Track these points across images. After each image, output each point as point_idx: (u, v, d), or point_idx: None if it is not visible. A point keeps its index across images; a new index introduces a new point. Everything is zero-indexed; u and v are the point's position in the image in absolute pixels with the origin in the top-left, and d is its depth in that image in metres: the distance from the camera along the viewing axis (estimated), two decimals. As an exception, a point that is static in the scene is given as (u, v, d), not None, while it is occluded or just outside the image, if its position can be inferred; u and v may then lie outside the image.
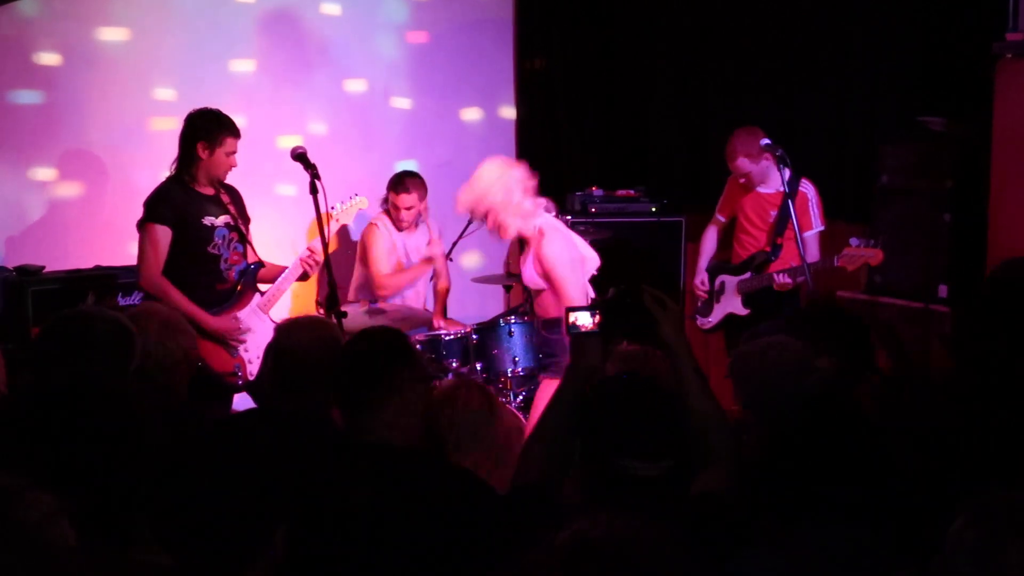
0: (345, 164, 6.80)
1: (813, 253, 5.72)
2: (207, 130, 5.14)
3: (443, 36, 7.50)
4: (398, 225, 6.38)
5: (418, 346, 4.91)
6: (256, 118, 6.55)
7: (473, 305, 7.13)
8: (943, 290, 5.57)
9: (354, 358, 2.84)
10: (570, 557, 1.81)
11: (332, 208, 5.44)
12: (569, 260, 4.96)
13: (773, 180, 5.80)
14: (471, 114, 7.67)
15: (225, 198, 5.28)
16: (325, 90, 7.12)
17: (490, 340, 5.81)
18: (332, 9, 7.16)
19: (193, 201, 5.18)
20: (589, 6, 7.75)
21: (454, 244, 6.46)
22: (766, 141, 5.61)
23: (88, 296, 5.73)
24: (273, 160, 6.47)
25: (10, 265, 5.93)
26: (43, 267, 5.87)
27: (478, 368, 5.77)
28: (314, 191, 4.76)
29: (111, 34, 6.45)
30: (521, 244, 5.22)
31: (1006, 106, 5.33)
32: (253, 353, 5.20)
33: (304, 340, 3.44)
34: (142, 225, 5.16)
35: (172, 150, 5.26)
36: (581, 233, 5.62)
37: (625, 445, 2.51)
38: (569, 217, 6.37)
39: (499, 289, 6.69)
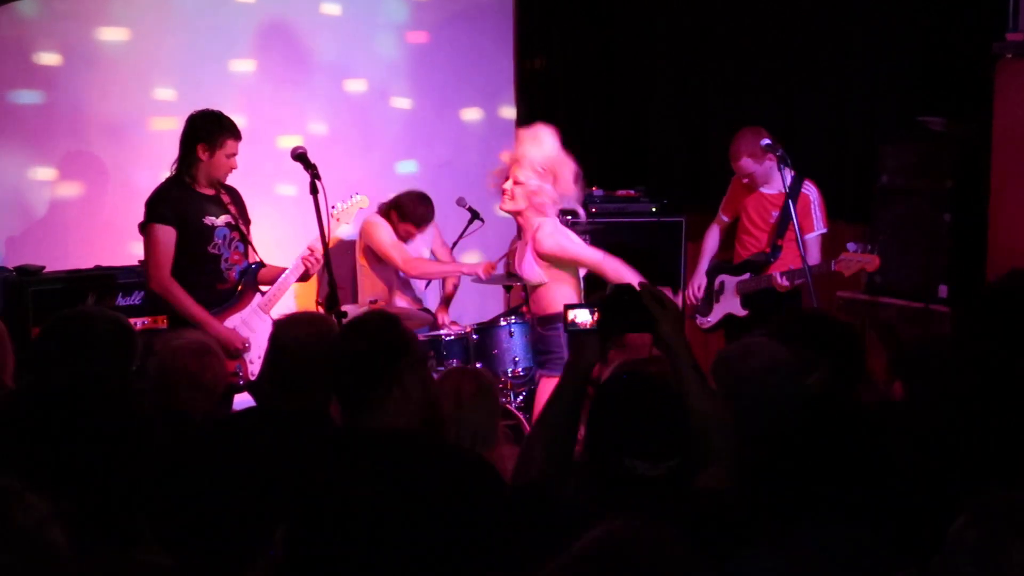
0: (345, 164, 6.80)
1: (814, 256, 5.71)
2: (207, 132, 5.14)
3: (443, 36, 7.50)
4: (403, 238, 6.35)
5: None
6: (256, 118, 6.55)
7: (473, 305, 7.13)
8: (943, 290, 5.57)
9: (353, 357, 2.84)
10: (598, 561, 1.81)
11: (333, 208, 5.44)
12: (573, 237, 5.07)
13: (776, 181, 5.79)
14: (471, 114, 7.67)
15: (226, 198, 5.28)
16: (325, 90, 7.12)
17: (490, 340, 5.82)
18: (332, 9, 7.16)
19: (194, 201, 5.17)
20: (589, 6, 7.76)
21: (454, 244, 6.46)
22: (766, 141, 5.60)
23: (88, 296, 5.73)
24: (273, 160, 6.47)
25: (10, 265, 5.94)
26: (43, 267, 5.87)
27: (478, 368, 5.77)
28: (314, 191, 4.76)
29: (111, 34, 6.46)
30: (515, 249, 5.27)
31: (1006, 106, 5.33)
32: (254, 353, 5.20)
33: (302, 335, 3.44)
34: (145, 226, 5.15)
35: (172, 150, 5.26)
36: (581, 234, 5.63)
37: (629, 445, 2.51)
38: (569, 217, 6.37)
39: (499, 289, 6.69)
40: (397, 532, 2.57)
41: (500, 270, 5.80)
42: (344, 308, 4.82)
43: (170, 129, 5.79)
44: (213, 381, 3.83)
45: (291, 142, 6.04)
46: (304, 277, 5.37)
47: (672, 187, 7.28)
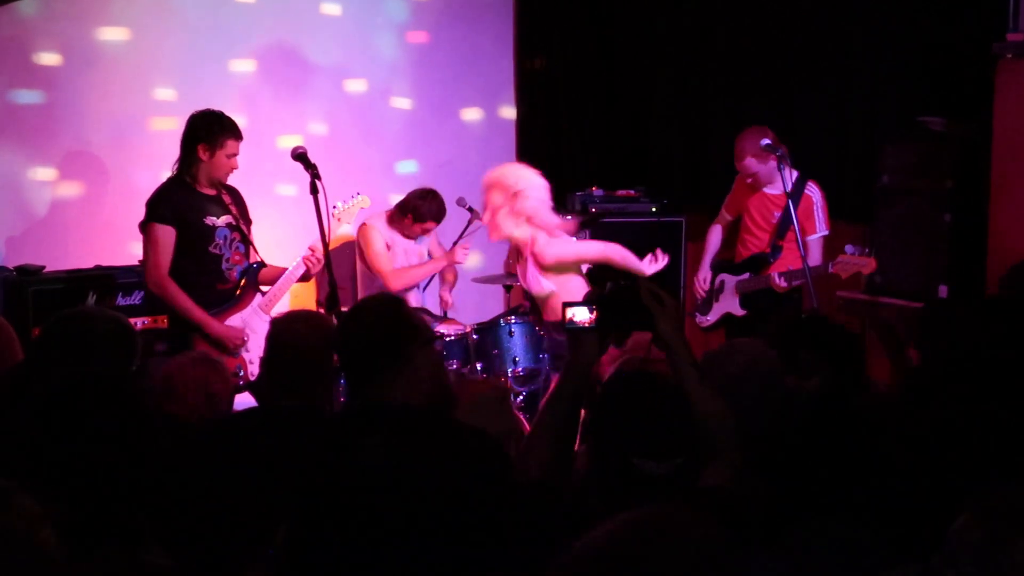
0: (345, 164, 6.80)
1: (816, 257, 5.71)
2: (208, 132, 5.14)
3: (443, 36, 7.50)
4: (408, 236, 6.34)
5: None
6: (256, 118, 6.55)
7: (473, 305, 7.13)
8: (943, 290, 5.56)
9: (363, 335, 2.84)
10: (630, 543, 1.79)
11: (334, 208, 5.44)
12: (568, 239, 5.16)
13: (779, 181, 5.78)
14: (471, 114, 7.68)
15: (227, 198, 5.28)
16: (325, 90, 7.12)
17: (490, 340, 5.82)
18: (332, 9, 7.16)
19: (194, 201, 5.17)
20: (589, 6, 7.76)
21: (455, 244, 6.46)
22: (766, 141, 5.60)
23: (88, 296, 5.73)
24: (273, 160, 6.47)
25: (10, 265, 5.94)
26: (43, 267, 5.87)
27: (478, 368, 5.77)
28: (315, 191, 4.76)
29: (111, 34, 6.46)
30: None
31: (1006, 106, 5.33)
32: (255, 354, 5.20)
33: (300, 332, 3.44)
34: (144, 226, 5.15)
35: (172, 150, 5.26)
36: (581, 229, 5.65)
37: (635, 444, 2.51)
38: (569, 217, 6.38)
39: (499, 289, 6.69)
40: (402, 514, 2.56)
41: (460, 258, 6.09)
42: (344, 308, 4.82)
43: (170, 129, 5.79)
44: (223, 392, 3.83)
45: (291, 142, 6.04)
46: (305, 277, 5.36)
47: (672, 187, 7.29)
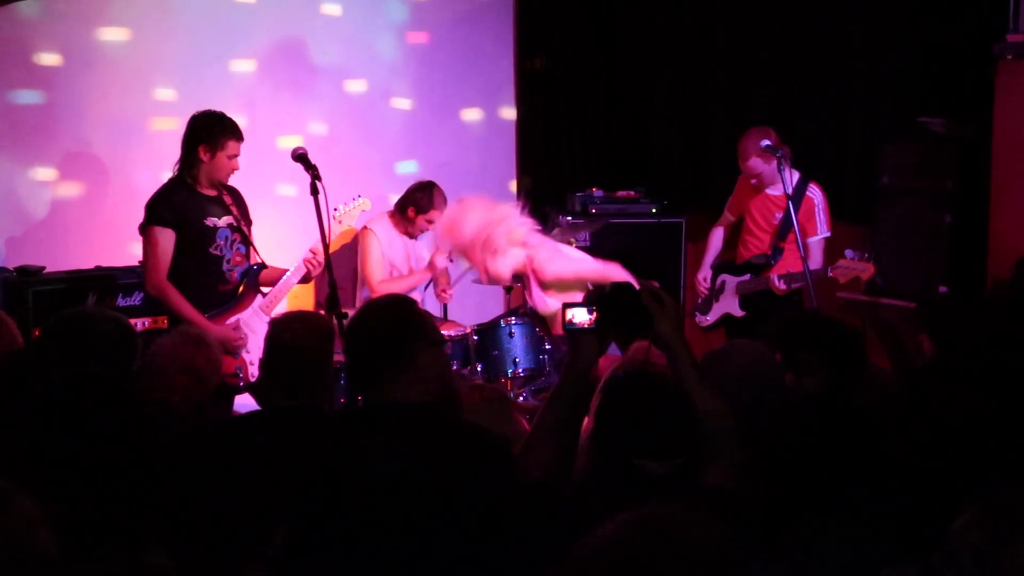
0: (345, 164, 6.80)
1: (817, 259, 5.71)
2: (208, 133, 5.14)
3: (443, 36, 7.50)
4: (412, 234, 6.35)
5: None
6: (256, 118, 6.55)
7: (473, 306, 7.13)
8: (943, 291, 5.57)
9: (369, 335, 2.84)
10: (634, 544, 1.79)
11: (335, 210, 5.44)
12: (563, 248, 5.11)
13: (780, 183, 5.79)
14: (471, 114, 7.68)
15: (227, 199, 5.28)
16: (325, 90, 7.12)
17: (490, 341, 5.81)
18: (332, 9, 7.16)
19: (195, 202, 5.17)
20: (589, 6, 7.76)
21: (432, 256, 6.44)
22: (767, 143, 5.60)
23: (88, 296, 5.73)
24: (274, 161, 6.47)
25: (10, 265, 5.93)
26: (43, 267, 5.87)
27: (479, 369, 5.77)
28: (315, 192, 4.76)
29: (111, 34, 6.45)
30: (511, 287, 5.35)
31: (1006, 107, 5.34)
32: (255, 355, 5.19)
33: (298, 333, 3.44)
34: (144, 229, 5.15)
35: (173, 150, 5.26)
36: (581, 230, 5.65)
37: (637, 444, 2.51)
38: (569, 217, 6.38)
39: (499, 290, 6.69)
40: (403, 513, 2.56)
41: (441, 263, 6.03)
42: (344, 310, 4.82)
43: (170, 129, 5.78)
44: (208, 369, 3.81)
45: (291, 142, 6.04)
46: (306, 279, 5.37)
47: (672, 188, 7.29)
